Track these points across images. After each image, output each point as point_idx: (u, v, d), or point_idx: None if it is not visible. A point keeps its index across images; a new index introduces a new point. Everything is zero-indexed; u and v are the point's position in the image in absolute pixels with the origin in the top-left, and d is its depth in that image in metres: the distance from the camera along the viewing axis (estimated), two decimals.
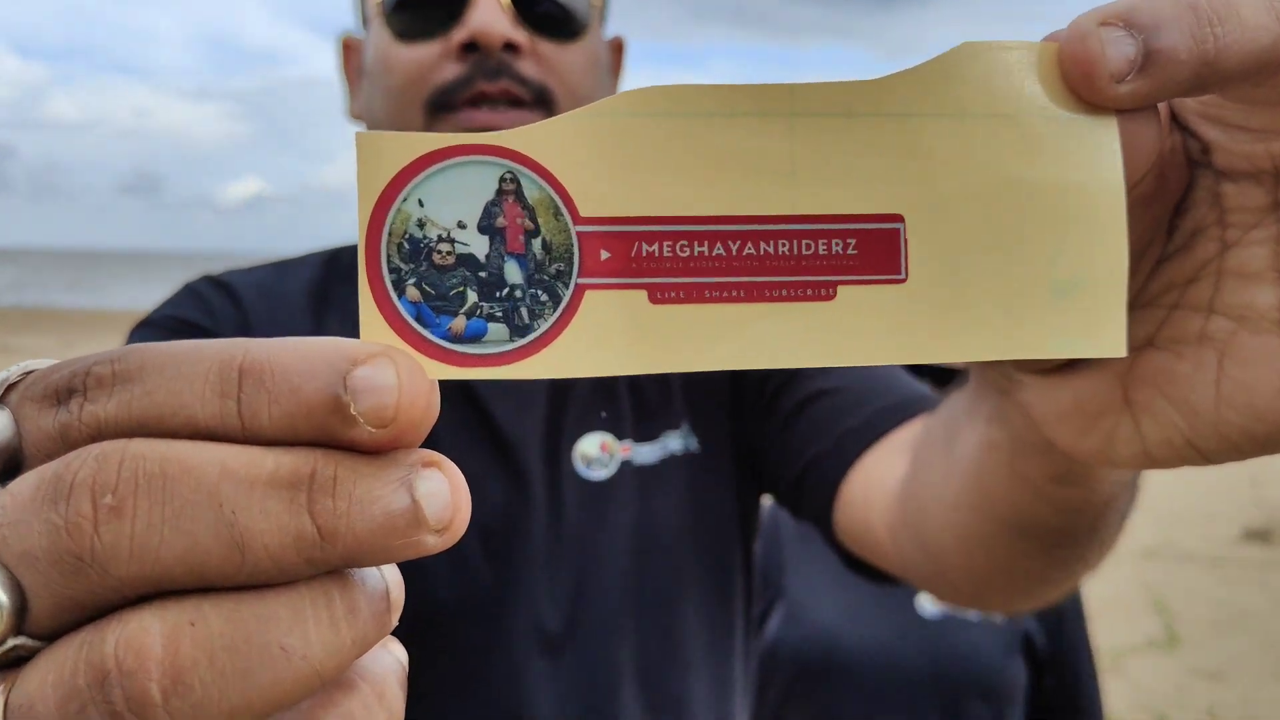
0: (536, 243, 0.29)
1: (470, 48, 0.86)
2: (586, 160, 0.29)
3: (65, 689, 0.25)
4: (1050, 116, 0.31)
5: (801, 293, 0.30)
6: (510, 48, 0.86)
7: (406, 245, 0.29)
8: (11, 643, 0.26)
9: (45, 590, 0.26)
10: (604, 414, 0.96)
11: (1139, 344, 0.40)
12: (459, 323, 0.29)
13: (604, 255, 0.30)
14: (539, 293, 0.29)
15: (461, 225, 0.29)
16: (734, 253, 0.30)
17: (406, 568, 0.32)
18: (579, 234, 0.30)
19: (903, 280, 0.30)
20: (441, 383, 0.29)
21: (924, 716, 1.42)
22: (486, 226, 0.29)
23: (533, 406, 0.95)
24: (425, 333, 0.29)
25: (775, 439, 0.97)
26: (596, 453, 0.95)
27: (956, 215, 0.31)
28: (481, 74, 0.86)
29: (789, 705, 1.48)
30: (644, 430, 0.97)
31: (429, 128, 0.87)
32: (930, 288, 0.30)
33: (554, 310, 0.29)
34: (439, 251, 0.29)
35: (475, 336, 0.29)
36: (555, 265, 0.29)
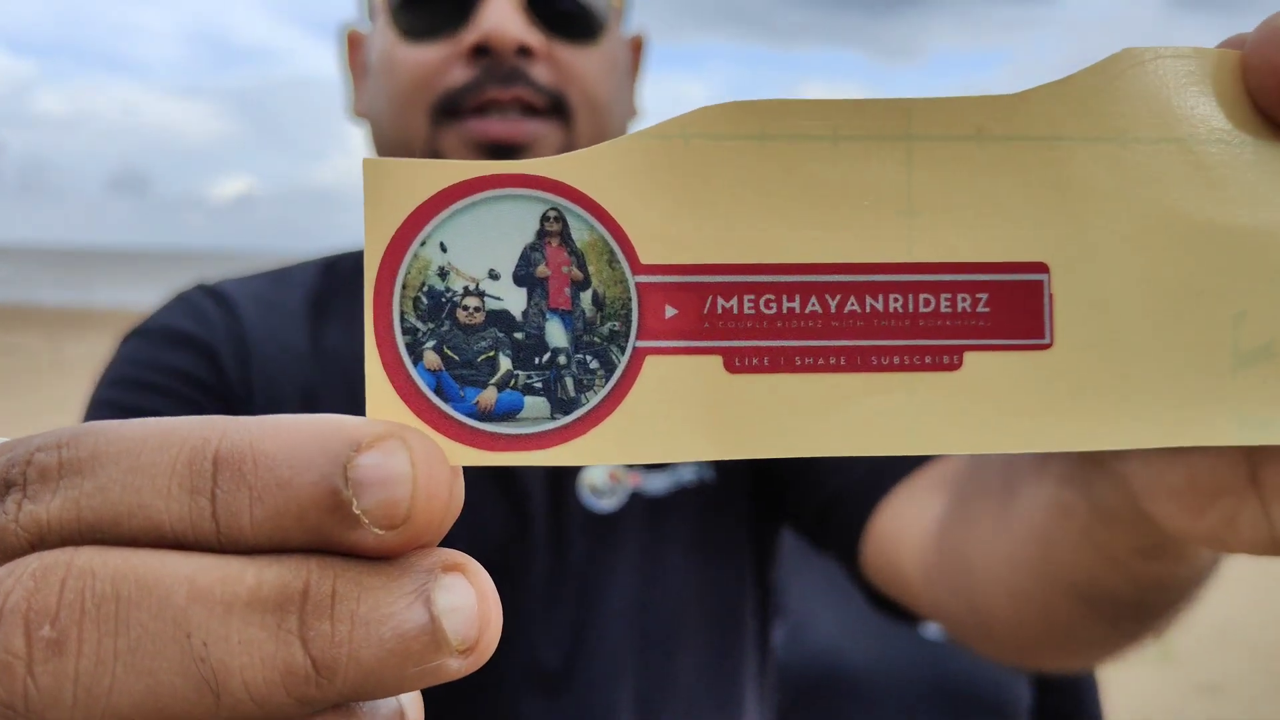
0: (586, 296, 0.24)
1: (481, 50, 0.80)
2: (649, 194, 0.23)
3: None
4: (1233, 142, 0.25)
5: (919, 360, 0.24)
6: (524, 51, 0.80)
7: (425, 300, 0.23)
8: None
9: None
10: None
11: None
12: (488, 396, 0.24)
13: (670, 312, 0.24)
14: (588, 359, 0.24)
15: (494, 275, 0.23)
16: (833, 310, 0.24)
17: None
18: (639, 285, 0.24)
19: (1047, 345, 0.25)
20: None
21: None
22: (524, 276, 0.23)
23: None
24: (447, 408, 0.23)
25: (797, 466, 0.91)
26: (604, 482, 0.89)
27: (1115, 264, 0.24)
28: (492, 79, 0.80)
29: None
30: None
31: (434, 136, 0.82)
32: (1081, 355, 0.24)
33: (606, 380, 0.24)
34: (465, 308, 0.23)
35: (509, 413, 0.24)
36: (609, 324, 0.24)
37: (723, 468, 0.94)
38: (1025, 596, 0.62)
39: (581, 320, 0.24)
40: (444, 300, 0.23)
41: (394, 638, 0.21)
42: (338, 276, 0.95)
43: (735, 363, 0.24)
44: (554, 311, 0.24)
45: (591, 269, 0.24)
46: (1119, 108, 0.24)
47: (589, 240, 0.24)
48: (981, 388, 0.24)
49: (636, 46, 0.95)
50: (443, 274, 0.23)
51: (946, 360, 0.24)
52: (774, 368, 0.24)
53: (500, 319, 0.23)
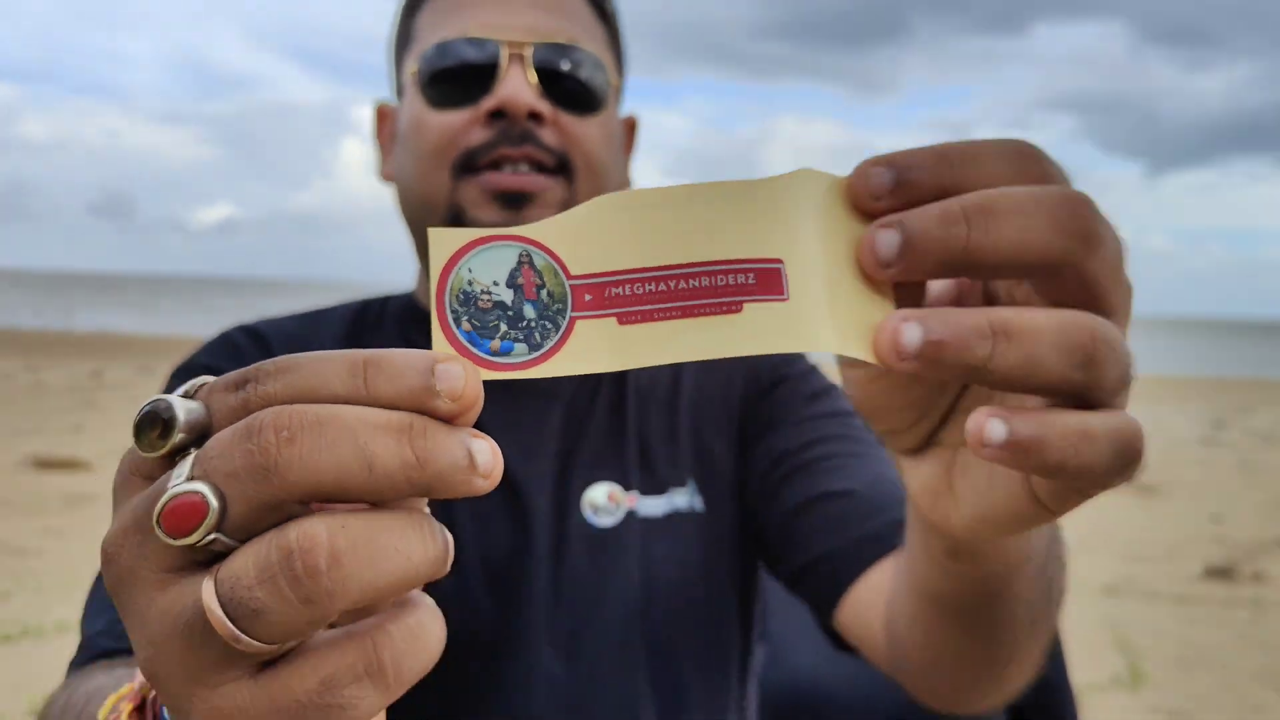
0: (544, 292, 0.45)
1: (498, 115, 0.93)
2: (574, 240, 0.46)
3: (261, 563, 0.38)
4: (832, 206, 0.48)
5: (720, 309, 0.45)
6: (534, 116, 0.94)
7: (461, 295, 0.44)
8: (212, 536, 0.39)
9: (241, 498, 0.39)
10: (612, 464, 1.00)
11: (951, 447, 0.56)
12: (495, 343, 0.44)
13: (587, 298, 0.45)
14: (546, 323, 0.45)
15: (495, 283, 0.45)
16: (674, 288, 0.45)
17: None
18: (571, 286, 0.46)
19: (785, 299, 0.45)
20: None
21: None
22: (511, 283, 0.45)
23: (542, 455, 0.99)
24: (475, 350, 0.44)
25: (779, 523, 0.99)
26: (604, 501, 0.99)
27: (810, 258, 0.46)
28: (506, 139, 0.93)
29: None
30: (651, 484, 1.01)
31: (455, 189, 0.95)
32: (800, 302, 0.45)
33: (556, 334, 0.45)
34: (481, 299, 0.44)
35: (506, 352, 0.44)
36: (556, 305, 0.45)
37: (711, 501, 1.02)
38: (912, 617, 0.75)
39: (542, 304, 0.45)
40: (471, 296, 0.44)
41: (451, 457, 0.40)
42: (368, 317, 1.08)
43: (623, 319, 0.45)
44: (528, 300, 0.45)
45: (546, 279, 0.45)
46: (790, 201, 0.46)
47: (544, 265, 0.45)
48: (753, 321, 0.45)
49: (630, 126, 1.07)
50: (470, 283, 0.45)
51: (734, 308, 0.45)
52: (643, 320, 0.45)
53: (500, 305, 0.45)
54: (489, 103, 0.93)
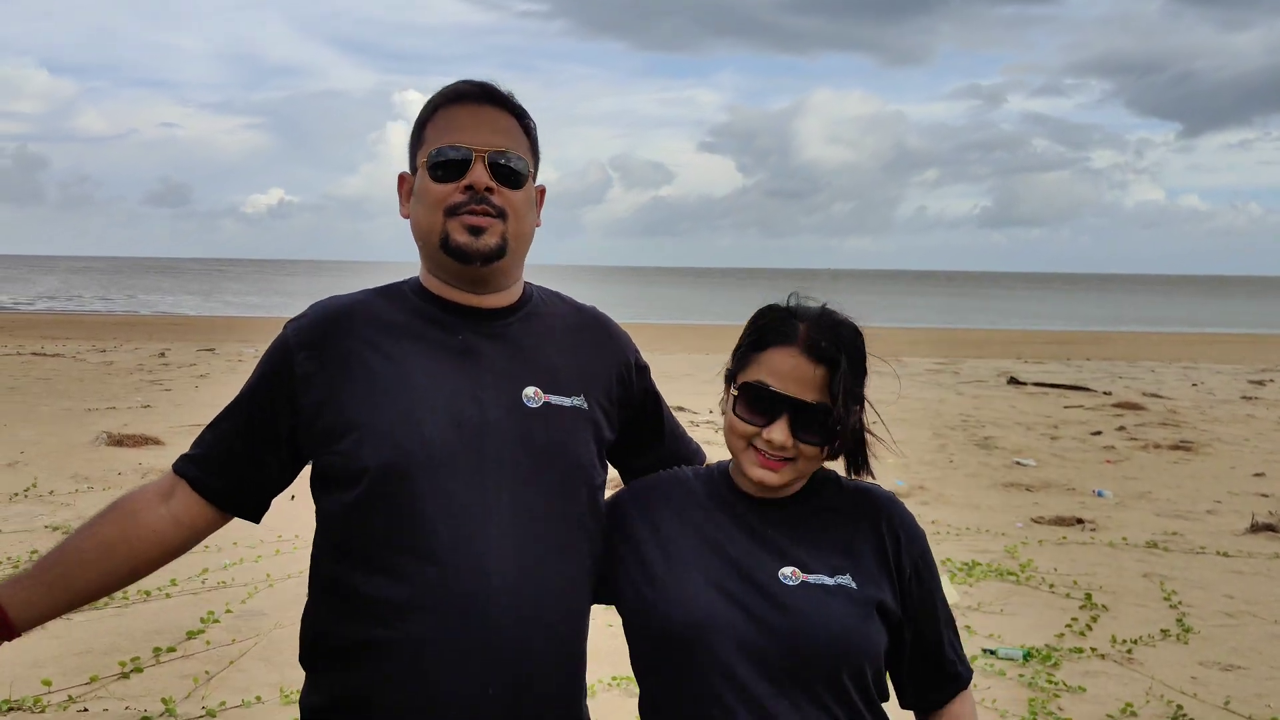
0: None
1: (469, 188, 1.67)
2: None
3: None
4: None
5: None
6: (487, 189, 1.67)
7: None
8: None
9: None
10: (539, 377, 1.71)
11: None
12: None
13: None
14: None
15: None
16: None
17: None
18: None
19: None
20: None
21: (783, 678, 1.51)
22: None
23: (504, 374, 1.69)
24: None
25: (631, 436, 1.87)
26: (533, 395, 1.69)
27: None
28: (473, 200, 1.67)
29: (654, 671, 1.59)
30: (559, 389, 1.72)
31: (445, 224, 1.67)
32: None
33: None
34: None
35: None
36: None
37: (590, 404, 1.75)
38: None
39: None
40: None
41: None
42: (393, 292, 1.78)
43: None
44: None
45: None
46: None
47: None
48: None
49: (541, 191, 1.82)
50: None
51: None
52: None
53: None
54: (464, 181, 1.66)
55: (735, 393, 1.58)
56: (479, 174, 1.64)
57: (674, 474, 1.73)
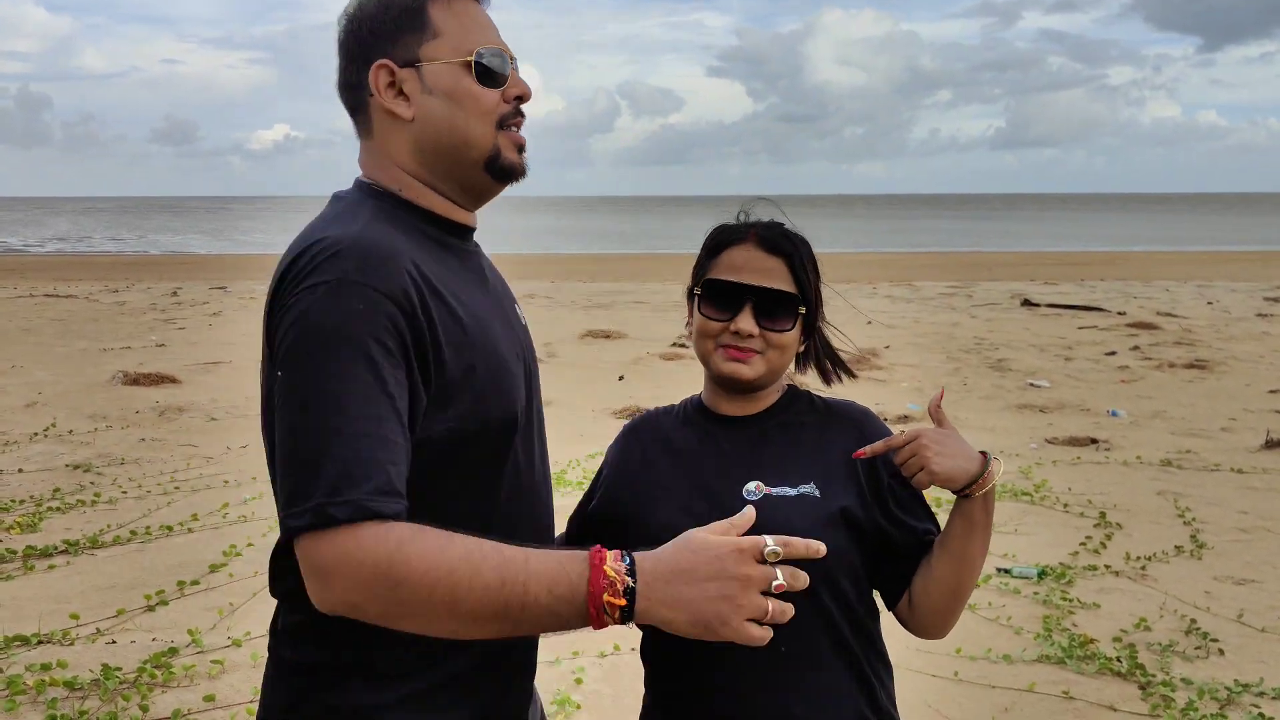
0: None
1: (520, 98, 1.50)
2: None
3: None
4: None
5: None
6: (527, 98, 1.52)
7: None
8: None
9: None
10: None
11: None
12: None
13: None
14: None
15: None
16: None
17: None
18: None
19: None
20: None
21: None
22: None
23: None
24: None
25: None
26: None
27: None
28: (518, 113, 1.49)
29: None
30: None
31: (496, 136, 1.46)
32: None
33: None
34: None
35: None
36: None
37: None
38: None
39: None
40: None
41: None
42: (399, 215, 1.45)
43: None
44: None
45: None
46: None
47: None
48: None
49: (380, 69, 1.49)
50: None
51: None
52: None
53: None
54: (515, 90, 1.48)
55: (699, 293, 1.60)
56: (526, 83, 1.50)
57: (659, 408, 1.76)
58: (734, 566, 1.16)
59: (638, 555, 1.18)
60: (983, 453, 1.48)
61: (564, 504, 1.61)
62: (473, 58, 1.44)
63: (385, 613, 1.15)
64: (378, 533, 1.14)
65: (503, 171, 1.45)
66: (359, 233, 1.30)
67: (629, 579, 1.15)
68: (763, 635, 1.16)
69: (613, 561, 1.16)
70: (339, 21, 1.47)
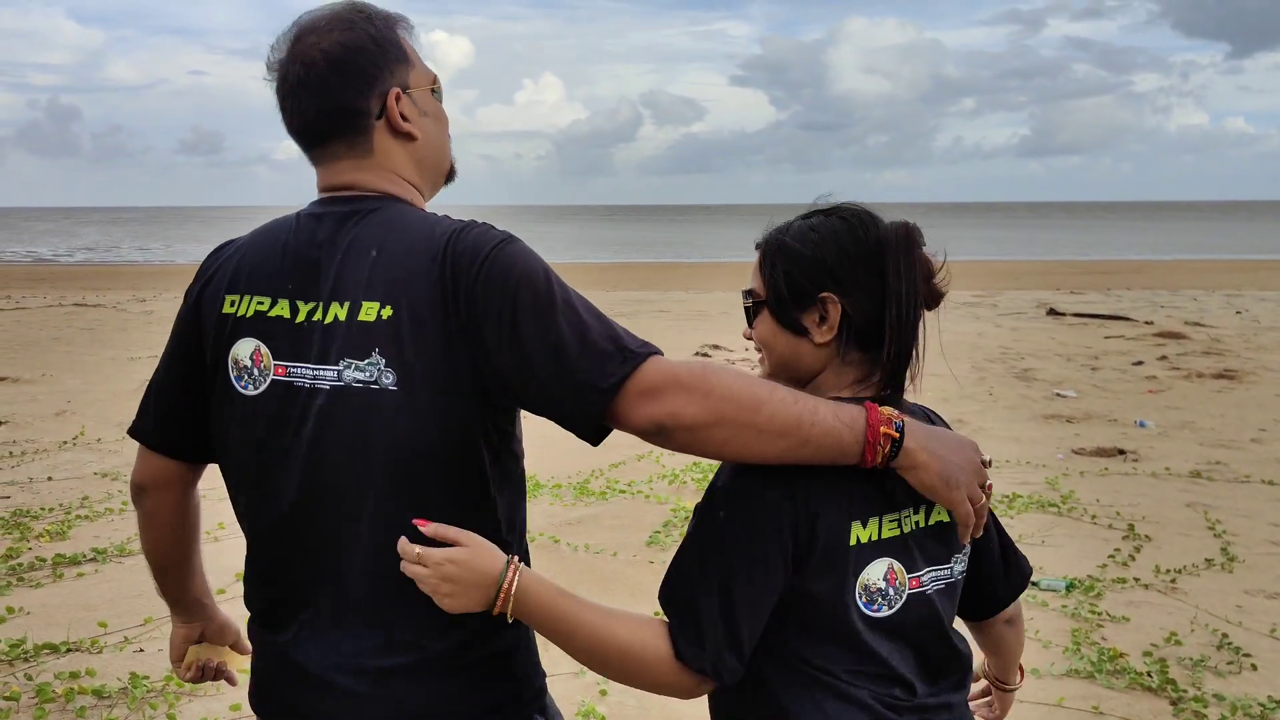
0: None
1: None
2: None
3: None
4: None
5: None
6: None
7: None
8: None
9: None
10: None
11: None
12: None
13: None
14: None
15: None
16: None
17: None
18: None
19: None
20: None
21: None
22: None
23: None
24: None
25: None
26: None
27: None
28: None
29: None
30: None
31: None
32: None
33: None
34: None
35: None
36: None
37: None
38: None
39: None
40: None
41: None
42: None
43: None
44: None
45: None
46: None
47: None
48: None
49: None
50: None
51: None
52: None
53: None
54: None
55: None
56: None
57: None
58: (974, 454, 1.44)
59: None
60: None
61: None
62: (436, 83, 1.66)
63: (699, 419, 1.33)
64: (681, 360, 1.39)
65: (451, 177, 1.69)
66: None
67: (898, 417, 1.36)
68: (970, 513, 1.39)
69: (884, 408, 1.37)
70: (309, 58, 1.52)
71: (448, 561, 1.31)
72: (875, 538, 1.39)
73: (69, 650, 4.08)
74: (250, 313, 1.48)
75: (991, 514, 1.58)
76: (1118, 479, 6.89)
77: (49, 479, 6.71)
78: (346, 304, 1.41)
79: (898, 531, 1.41)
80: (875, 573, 1.39)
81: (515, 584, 1.31)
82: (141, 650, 4.10)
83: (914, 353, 1.47)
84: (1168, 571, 5.09)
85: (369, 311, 1.39)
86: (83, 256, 44.90)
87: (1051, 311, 16.99)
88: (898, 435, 1.35)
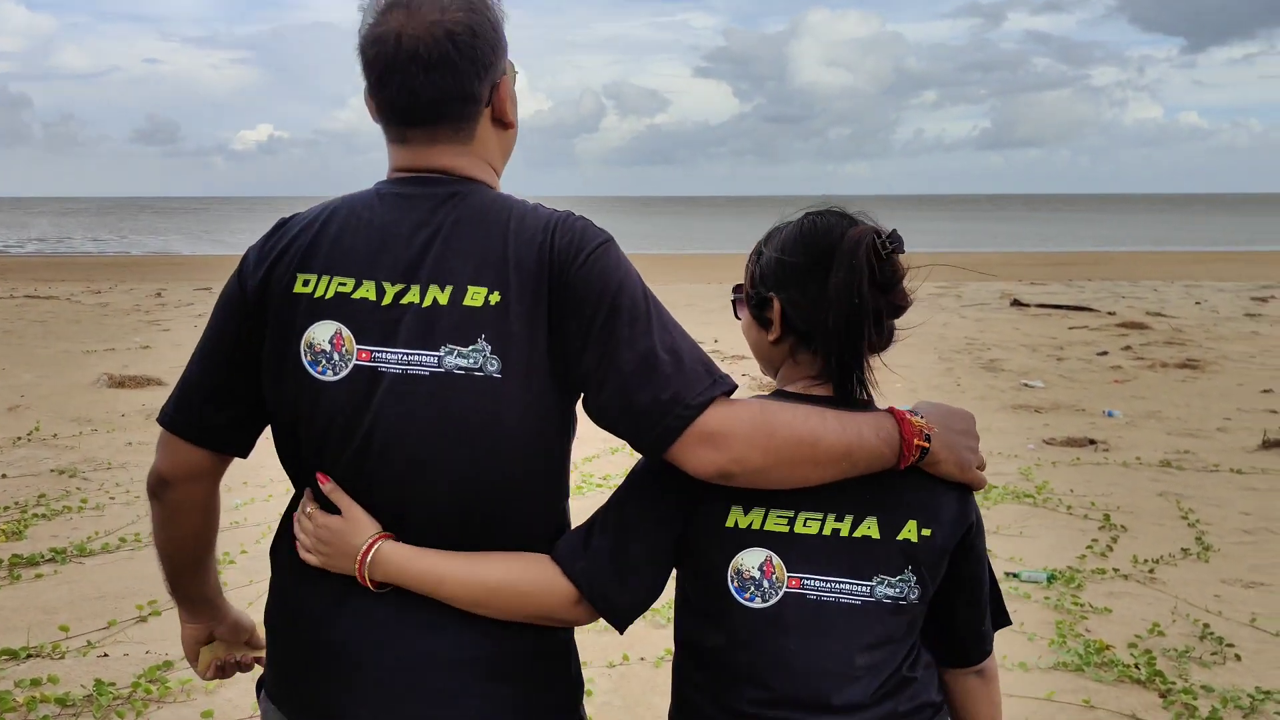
0: None
1: None
2: None
3: None
4: None
5: None
6: None
7: None
8: None
9: None
10: None
11: None
12: None
13: None
14: None
15: None
16: None
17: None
18: None
19: None
20: None
21: None
22: None
23: None
24: None
25: None
26: None
27: None
28: None
29: None
30: None
31: None
32: None
33: None
34: None
35: None
36: None
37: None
38: None
39: None
40: None
41: None
42: None
43: None
44: None
45: None
46: None
47: None
48: None
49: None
50: None
51: None
52: None
53: None
54: None
55: None
56: None
57: None
58: (973, 428, 1.48)
59: (917, 407, 1.44)
60: None
61: (586, 505, 1.53)
62: (516, 68, 1.58)
63: (762, 465, 1.34)
64: (742, 400, 1.40)
65: None
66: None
67: (927, 428, 1.41)
68: (984, 480, 1.47)
69: (909, 415, 1.41)
70: (432, 35, 1.43)
71: (324, 527, 1.44)
72: (756, 526, 1.42)
73: (29, 656, 3.93)
74: (330, 294, 1.38)
75: (988, 563, 1.55)
76: (1090, 469, 6.91)
77: (3, 476, 6.50)
78: (449, 288, 1.35)
79: (785, 528, 1.42)
80: (750, 560, 1.42)
81: (372, 553, 1.40)
82: (106, 655, 3.95)
83: (865, 362, 1.47)
84: (1145, 561, 5.09)
85: (475, 296, 1.35)
86: (34, 247, 43.99)
87: (1015, 302, 17.11)
88: (928, 445, 1.40)
